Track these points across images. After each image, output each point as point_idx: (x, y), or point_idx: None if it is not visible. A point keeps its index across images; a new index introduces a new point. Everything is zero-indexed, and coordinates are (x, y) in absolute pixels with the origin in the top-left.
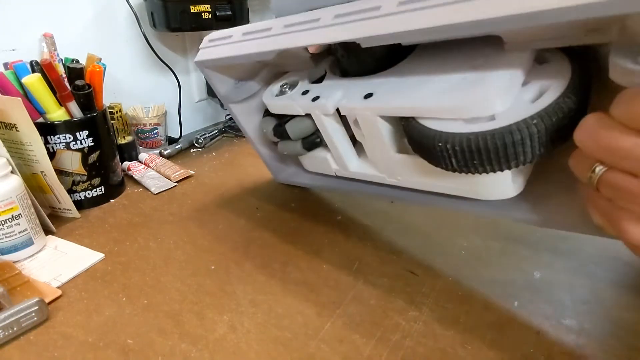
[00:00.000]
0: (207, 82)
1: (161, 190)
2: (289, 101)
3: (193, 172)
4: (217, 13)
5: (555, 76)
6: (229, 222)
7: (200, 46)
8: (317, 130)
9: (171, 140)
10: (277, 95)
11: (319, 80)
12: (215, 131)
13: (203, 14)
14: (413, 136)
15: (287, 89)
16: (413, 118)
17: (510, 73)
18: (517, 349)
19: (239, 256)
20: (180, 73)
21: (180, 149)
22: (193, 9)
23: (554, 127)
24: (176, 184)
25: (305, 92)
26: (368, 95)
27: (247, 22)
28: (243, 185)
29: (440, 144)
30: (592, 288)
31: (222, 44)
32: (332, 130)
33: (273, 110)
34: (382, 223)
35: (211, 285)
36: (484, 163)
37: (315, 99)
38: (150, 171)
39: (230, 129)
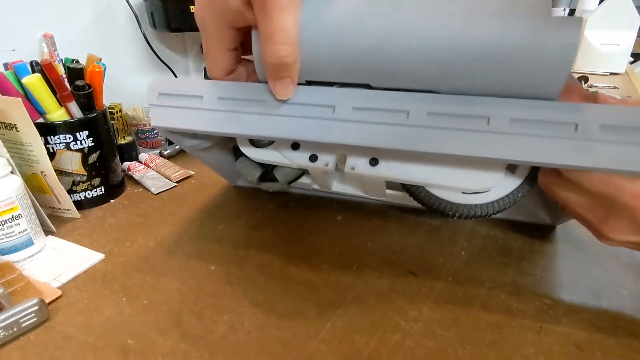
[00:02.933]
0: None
1: (161, 190)
2: (283, 159)
3: (193, 172)
4: None
5: None
6: (229, 222)
7: (151, 101)
8: (305, 170)
9: (171, 141)
10: (257, 147)
11: None
12: None
13: None
14: (422, 199)
15: (265, 140)
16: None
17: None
18: (517, 349)
19: (239, 256)
20: (180, 73)
21: (180, 149)
22: (193, 9)
23: (531, 189)
24: (176, 184)
25: (295, 146)
26: (374, 161)
27: None
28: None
29: (450, 212)
30: (591, 288)
31: (189, 107)
32: (324, 174)
33: (257, 160)
34: (382, 223)
35: (211, 285)
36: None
37: (313, 158)
38: (150, 171)
39: None
